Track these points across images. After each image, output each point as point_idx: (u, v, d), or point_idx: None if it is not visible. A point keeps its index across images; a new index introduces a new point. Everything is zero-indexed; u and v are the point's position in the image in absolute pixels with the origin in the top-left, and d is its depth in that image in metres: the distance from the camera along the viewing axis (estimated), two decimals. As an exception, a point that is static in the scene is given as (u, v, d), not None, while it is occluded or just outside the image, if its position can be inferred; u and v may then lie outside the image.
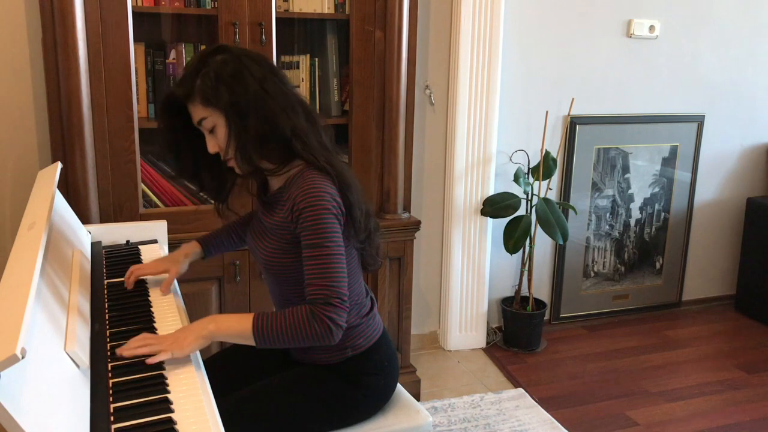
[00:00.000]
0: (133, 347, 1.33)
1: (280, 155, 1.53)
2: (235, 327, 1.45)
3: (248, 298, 2.43)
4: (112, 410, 1.15)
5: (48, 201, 1.51)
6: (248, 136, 1.47)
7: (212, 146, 1.53)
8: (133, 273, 1.66)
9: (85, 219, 2.11)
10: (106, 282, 1.67)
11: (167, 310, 1.57)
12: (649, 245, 3.59)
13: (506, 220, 3.08)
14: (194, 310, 2.29)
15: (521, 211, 3.10)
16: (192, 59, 1.55)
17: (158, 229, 2.03)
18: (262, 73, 1.49)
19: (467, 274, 3.13)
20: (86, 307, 1.44)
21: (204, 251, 1.81)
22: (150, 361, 1.30)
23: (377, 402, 1.69)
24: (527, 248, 3.18)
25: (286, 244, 1.55)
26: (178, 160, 1.63)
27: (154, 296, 1.63)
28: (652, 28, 3.27)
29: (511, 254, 3.11)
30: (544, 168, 3.08)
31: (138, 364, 1.31)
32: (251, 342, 1.45)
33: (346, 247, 1.53)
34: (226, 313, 2.40)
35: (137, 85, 2.22)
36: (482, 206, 3.05)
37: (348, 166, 1.61)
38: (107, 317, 1.49)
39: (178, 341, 1.36)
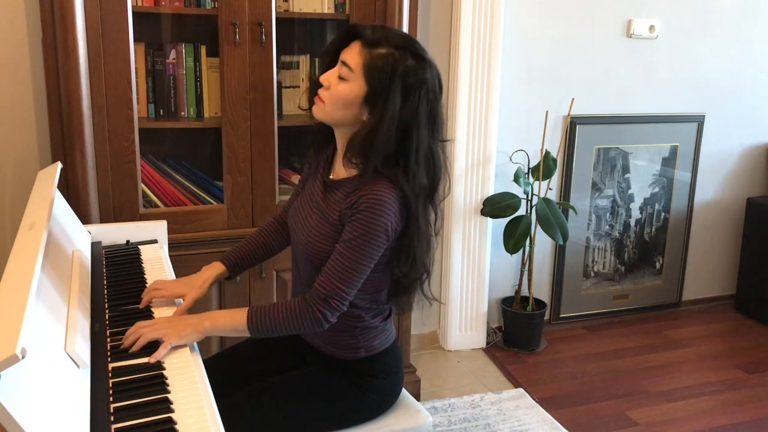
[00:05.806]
0: (132, 341, 1.37)
1: (376, 160, 1.48)
2: (230, 323, 1.52)
3: (248, 299, 2.43)
4: (112, 410, 1.15)
5: (48, 201, 1.51)
6: (370, 127, 1.46)
7: (326, 78, 1.50)
8: (148, 294, 1.60)
9: (85, 219, 2.10)
10: (106, 289, 1.66)
11: (167, 311, 1.57)
12: (649, 245, 3.58)
13: (506, 220, 3.08)
14: (194, 310, 2.28)
15: (521, 211, 3.10)
16: (401, 35, 1.49)
17: (158, 229, 2.03)
18: (431, 110, 1.48)
19: (467, 274, 3.13)
20: (86, 307, 1.44)
21: (230, 271, 1.76)
22: (151, 359, 1.33)
23: (380, 405, 1.69)
24: (527, 248, 3.18)
25: (333, 223, 1.53)
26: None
27: (155, 299, 1.63)
28: (652, 28, 3.27)
29: (511, 254, 3.11)
30: (544, 168, 3.08)
31: (138, 363, 1.31)
32: (246, 334, 1.52)
33: (381, 270, 1.55)
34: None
35: (137, 85, 2.22)
36: (482, 206, 3.05)
37: (431, 224, 1.62)
38: (107, 317, 1.49)
39: (177, 329, 1.41)
